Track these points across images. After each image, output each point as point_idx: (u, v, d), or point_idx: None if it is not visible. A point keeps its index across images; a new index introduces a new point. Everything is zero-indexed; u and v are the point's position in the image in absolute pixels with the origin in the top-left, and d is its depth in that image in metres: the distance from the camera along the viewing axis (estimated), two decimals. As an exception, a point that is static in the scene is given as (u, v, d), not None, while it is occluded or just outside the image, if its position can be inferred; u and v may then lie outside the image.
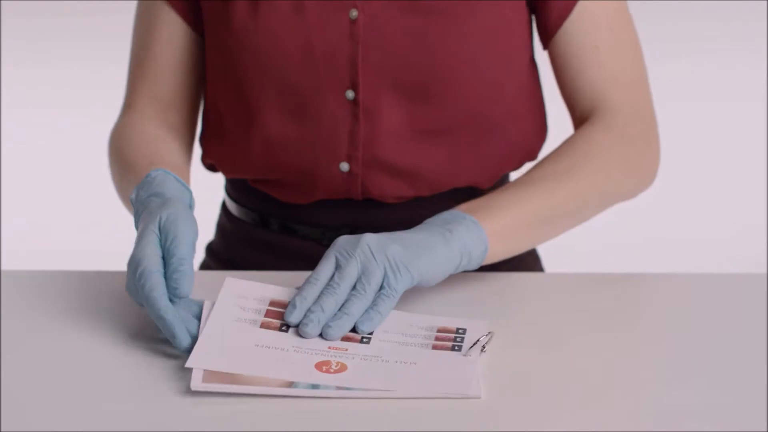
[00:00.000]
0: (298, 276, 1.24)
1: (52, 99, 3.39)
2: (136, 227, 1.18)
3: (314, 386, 1.04)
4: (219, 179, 1.49)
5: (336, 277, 1.12)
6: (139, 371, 1.08)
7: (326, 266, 1.14)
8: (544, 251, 1.53)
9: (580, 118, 1.38)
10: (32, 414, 1.01)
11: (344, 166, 1.34)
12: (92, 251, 2.75)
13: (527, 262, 1.47)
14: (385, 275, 1.13)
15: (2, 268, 1.33)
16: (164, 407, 1.02)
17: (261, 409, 1.01)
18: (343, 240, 1.15)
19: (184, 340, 1.08)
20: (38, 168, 3.36)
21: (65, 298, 1.22)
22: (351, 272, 1.12)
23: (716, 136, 3.31)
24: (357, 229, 1.38)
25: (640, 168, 1.35)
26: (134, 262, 1.12)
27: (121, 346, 1.12)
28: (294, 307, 1.12)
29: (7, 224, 3.18)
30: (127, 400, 1.03)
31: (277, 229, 1.41)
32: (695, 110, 3.32)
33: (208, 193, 1.34)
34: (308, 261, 1.37)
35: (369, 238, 1.14)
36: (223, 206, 1.49)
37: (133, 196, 1.22)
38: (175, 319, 1.08)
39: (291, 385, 1.04)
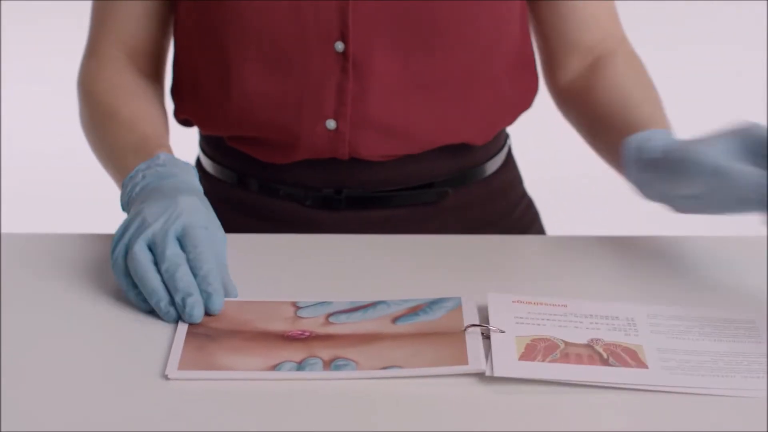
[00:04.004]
0: (280, 239, 1.20)
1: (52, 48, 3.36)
2: (126, 195, 1.17)
3: (300, 368, 0.98)
4: (192, 134, 1.43)
5: None
6: (128, 341, 1.04)
7: None
8: (544, 213, 1.49)
9: (579, 62, 1.35)
10: (27, 402, 0.96)
11: (331, 124, 1.28)
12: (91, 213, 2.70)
13: (527, 223, 1.43)
14: None
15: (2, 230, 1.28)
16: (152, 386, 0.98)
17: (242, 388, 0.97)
18: None
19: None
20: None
21: (62, 263, 1.18)
22: None
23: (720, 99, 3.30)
24: (342, 189, 1.33)
25: None
26: (148, 285, 1.07)
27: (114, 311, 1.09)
28: None
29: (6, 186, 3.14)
30: (113, 374, 1.00)
31: (256, 189, 1.36)
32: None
33: (180, 148, 1.29)
34: (290, 223, 1.34)
35: None
36: (198, 163, 1.44)
37: (144, 166, 1.19)
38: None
39: (274, 368, 0.99)
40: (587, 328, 1.05)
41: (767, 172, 1.07)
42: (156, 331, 1.05)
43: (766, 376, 0.99)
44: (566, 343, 1.02)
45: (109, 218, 1.54)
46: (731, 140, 1.11)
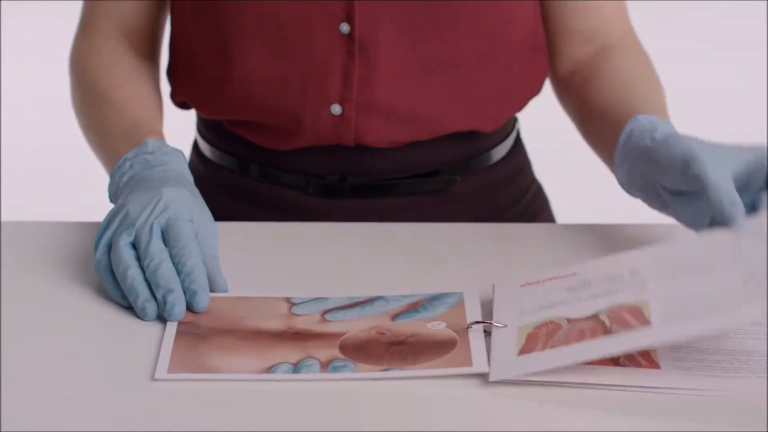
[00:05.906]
0: (280, 227, 1.19)
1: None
2: (113, 185, 1.15)
3: (296, 370, 0.95)
4: (189, 117, 1.40)
5: None
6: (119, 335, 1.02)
7: None
8: (554, 199, 1.47)
9: (579, 50, 1.31)
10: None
11: (336, 109, 1.24)
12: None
13: (535, 210, 1.40)
14: None
15: (2, 219, 1.28)
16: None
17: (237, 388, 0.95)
18: None
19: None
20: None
21: (58, 253, 1.15)
22: None
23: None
24: (346, 176, 1.30)
25: None
26: (127, 277, 1.04)
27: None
28: None
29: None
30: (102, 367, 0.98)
31: (256, 175, 1.32)
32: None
33: (177, 131, 1.26)
34: (291, 211, 1.30)
35: None
36: (195, 146, 1.40)
37: (131, 155, 1.16)
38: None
39: (269, 370, 0.95)
40: (592, 296, 1.01)
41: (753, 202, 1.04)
42: (148, 328, 1.02)
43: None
44: (569, 321, 0.99)
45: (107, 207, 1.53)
46: (732, 152, 1.06)
